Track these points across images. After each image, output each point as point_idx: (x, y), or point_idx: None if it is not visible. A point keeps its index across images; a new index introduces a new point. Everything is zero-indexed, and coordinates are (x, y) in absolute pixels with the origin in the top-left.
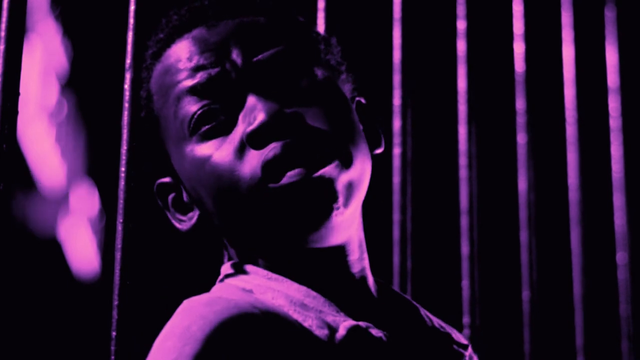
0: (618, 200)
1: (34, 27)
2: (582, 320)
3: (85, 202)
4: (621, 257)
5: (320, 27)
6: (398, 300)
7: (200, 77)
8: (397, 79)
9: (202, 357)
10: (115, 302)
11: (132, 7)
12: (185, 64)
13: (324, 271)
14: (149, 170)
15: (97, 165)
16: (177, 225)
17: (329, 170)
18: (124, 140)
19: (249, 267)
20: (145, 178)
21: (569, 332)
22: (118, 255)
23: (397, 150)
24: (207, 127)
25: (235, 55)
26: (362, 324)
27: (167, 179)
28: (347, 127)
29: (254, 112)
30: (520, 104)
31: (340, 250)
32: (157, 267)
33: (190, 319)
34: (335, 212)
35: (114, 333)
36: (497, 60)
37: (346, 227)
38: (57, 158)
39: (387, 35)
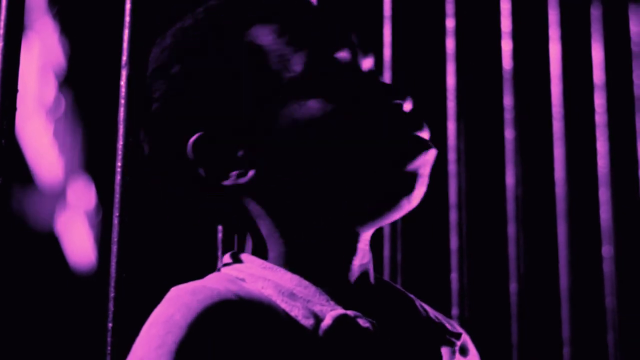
0: (604, 194)
1: (32, 26)
2: (569, 312)
3: (82, 196)
4: (607, 250)
5: None
6: (393, 292)
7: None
8: (387, 76)
9: (184, 344)
10: (112, 294)
11: (128, 6)
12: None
13: (341, 257)
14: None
15: (93, 160)
16: (212, 181)
17: None
18: (120, 136)
19: (245, 257)
20: (140, 172)
21: (556, 323)
22: (114, 248)
23: None
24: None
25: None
26: (350, 313)
27: (204, 134)
28: None
29: (400, 90)
30: (507, 100)
31: (365, 238)
32: (152, 259)
33: (175, 307)
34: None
35: (110, 324)
36: (485, 57)
37: None
38: (55, 153)
39: (378, 33)
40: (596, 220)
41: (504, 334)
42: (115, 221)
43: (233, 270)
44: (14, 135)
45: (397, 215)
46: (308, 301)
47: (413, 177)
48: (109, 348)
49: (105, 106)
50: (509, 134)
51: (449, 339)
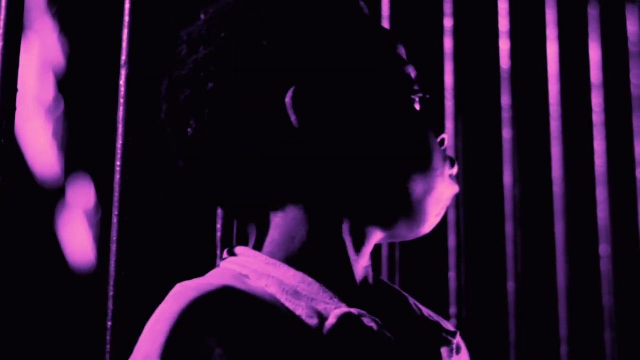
0: (601, 193)
1: (32, 25)
2: (566, 311)
3: (81, 195)
4: (604, 249)
5: None
6: (389, 291)
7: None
8: None
9: (189, 340)
10: (111, 293)
11: (127, 6)
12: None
13: (349, 259)
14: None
15: (93, 159)
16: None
17: None
18: (119, 135)
19: (248, 252)
20: (139, 173)
21: (553, 322)
22: (113, 247)
23: None
24: (418, 98)
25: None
26: (354, 311)
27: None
28: None
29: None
30: (505, 99)
31: (373, 243)
32: (151, 258)
33: (179, 303)
34: None
35: (109, 323)
36: (483, 57)
37: None
38: (54, 152)
39: None
40: (593, 219)
41: (502, 333)
42: (115, 220)
43: (236, 266)
44: (14, 135)
45: (410, 237)
46: (312, 299)
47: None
48: (108, 346)
49: (105, 106)
50: (506, 133)
51: (445, 337)
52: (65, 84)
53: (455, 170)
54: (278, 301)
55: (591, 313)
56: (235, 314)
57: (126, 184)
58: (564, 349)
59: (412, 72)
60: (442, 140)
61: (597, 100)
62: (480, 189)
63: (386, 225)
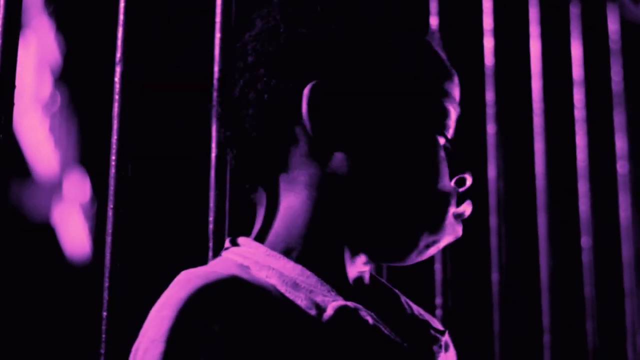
0: (582, 187)
1: (29, 24)
2: (549, 301)
3: (77, 189)
4: (585, 241)
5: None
6: (382, 289)
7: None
8: None
9: (194, 327)
10: (106, 284)
11: (122, 4)
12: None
13: (349, 258)
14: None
15: (88, 154)
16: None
17: None
18: (114, 131)
19: (249, 242)
20: (134, 167)
21: (536, 312)
22: (109, 239)
23: None
24: (444, 136)
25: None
26: (350, 304)
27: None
28: None
29: (466, 172)
30: (489, 96)
31: None
32: (145, 251)
33: (185, 290)
34: None
35: (104, 313)
36: (468, 54)
37: None
38: (51, 147)
39: None
40: (575, 212)
41: (486, 323)
42: (110, 213)
43: (237, 256)
44: (12, 130)
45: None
46: (310, 291)
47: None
48: (103, 336)
49: (100, 102)
50: (490, 128)
51: (434, 335)
52: (62, 80)
53: (466, 211)
54: (278, 292)
55: (573, 303)
56: (239, 301)
57: (121, 178)
58: (546, 338)
59: (453, 112)
60: (462, 180)
61: (578, 96)
62: None
63: (375, 257)
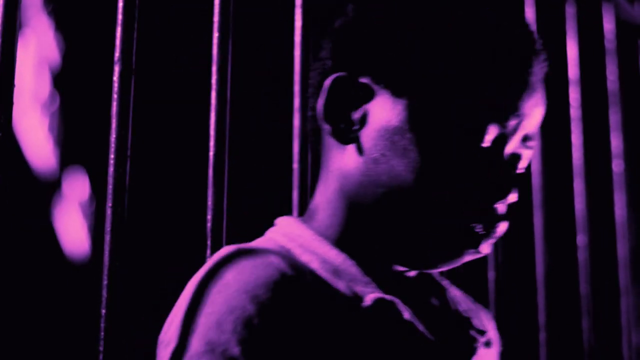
0: (578, 185)
1: (28, 23)
2: (544, 299)
3: (76, 187)
4: (581, 239)
5: (298, 22)
6: (427, 281)
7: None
8: None
9: (240, 309)
10: (105, 282)
11: (120, 4)
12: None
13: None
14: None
15: (87, 153)
16: (329, 124)
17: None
18: (113, 130)
19: (296, 225)
20: (132, 165)
21: (532, 309)
22: (107, 237)
23: None
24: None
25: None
26: (388, 297)
27: (362, 79)
28: None
29: (511, 178)
30: None
31: None
32: (144, 249)
33: (226, 265)
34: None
35: (103, 311)
36: None
37: None
38: (50, 146)
39: None
40: (571, 210)
41: None
42: (109, 212)
43: (283, 238)
44: (11, 129)
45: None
46: (351, 280)
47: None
48: (102, 333)
49: (99, 101)
50: None
51: (472, 335)
52: (61, 79)
53: (498, 230)
54: (319, 277)
55: (568, 301)
56: (278, 283)
57: (120, 177)
58: (542, 336)
59: (494, 128)
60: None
61: (574, 95)
62: None
63: (401, 260)
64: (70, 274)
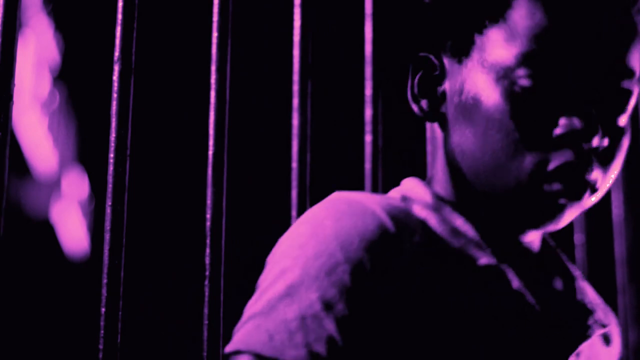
0: None
1: (28, 22)
2: None
3: (76, 186)
4: (578, 238)
5: (297, 22)
6: (554, 263)
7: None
8: (368, 70)
9: (327, 255)
10: (104, 281)
11: (120, 4)
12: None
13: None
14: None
15: (87, 151)
16: (415, 105)
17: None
18: (113, 129)
19: (420, 185)
20: (132, 164)
21: None
22: (107, 236)
23: (368, 138)
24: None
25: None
26: (500, 265)
27: (431, 59)
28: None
29: (594, 125)
30: None
31: None
32: (143, 247)
33: (328, 212)
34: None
35: (103, 309)
36: None
37: None
38: (50, 145)
39: (359, 30)
40: None
41: None
42: (108, 210)
43: (406, 194)
44: (11, 128)
45: (539, 227)
46: (467, 242)
47: (545, 199)
48: (102, 331)
49: (98, 100)
50: None
51: (589, 322)
52: (61, 79)
53: (592, 177)
54: (435, 233)
55: None
56: (372, 233)
57: (119, 176)
58: None
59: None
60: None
61: None
62: None
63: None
64: (70, 273)
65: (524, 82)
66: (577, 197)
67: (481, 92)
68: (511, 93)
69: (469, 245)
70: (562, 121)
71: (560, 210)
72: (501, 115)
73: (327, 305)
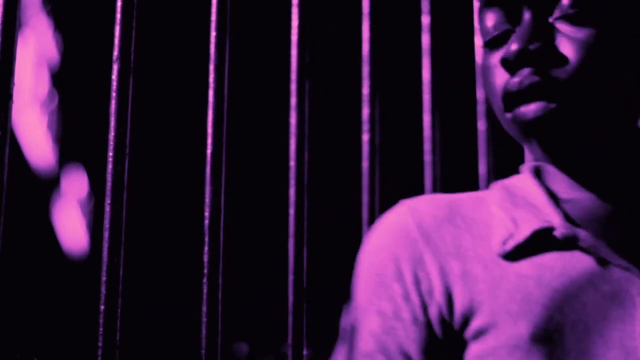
0: None
1: (28, 22)
2: None
3: (75, 185)
4: None
5: (295, 21)
6: None
7: None
8: (365, 70)
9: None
10: (104, 278)
11: (119, 3)
12: None
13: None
14: None
15: (86, 150)
16: None
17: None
18: (112, 128)
19: (529, 179)
20: (130, 163)
21: None
22: (106, 234)
23: (365, 137)
24: (491, 37)
25: None
26: (563, 229)
27: None
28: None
29: (514, 37)
30: (480, 93)
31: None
32: (142, 245)
33: (398, 210)
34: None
35: (102, 307)
36: (459, 52)
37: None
38: (49, 144)
39: (357, 30)
40: None
41: None
42: (107, 209)
43: (509, 179)
44: (11, 127)
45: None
46: (529, 207)
47: (517, 118)
48: (101, 329)
49: (97, 99)
50: (481, 125)
51: None
52: (60, 78)
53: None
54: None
55: None
56: (394, 241)
57: (118, 174)
58: None
59: None
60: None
61: None
62: (456, 178)
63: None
64: (69, 271)
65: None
66: (534, 98)
67: None
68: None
69: (535, 211)
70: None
71: (536, 122)
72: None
73: None
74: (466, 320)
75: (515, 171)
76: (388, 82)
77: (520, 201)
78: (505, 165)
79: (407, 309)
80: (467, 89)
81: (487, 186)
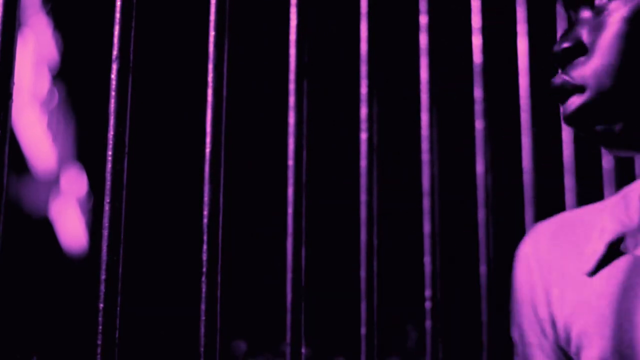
0: (568, 181)
1: (27, 22)
2: None
3: (74, 183)
4: None
5: (293, 21)
6: None
7: None
8: (363, 69)
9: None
10: (103, 277)
11: (118, 3)
12: None
13: None
14: None
15: (85, 149)
16: None
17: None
18: (111, 126)
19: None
20: (129, 162)
21: None
22: (105, 233)
23: (363, 136)
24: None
25: None
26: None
27: None
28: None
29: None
30: (478, 92)
31: None
32: (142, 244)
33: (526, 238)
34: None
35: (101, 305)
36: (457, 52)
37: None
38: (49, 143)
39: (355, 29)
40: (561, 206)
41: (474, 313)
42: (106, 207)
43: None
44: (10, 126)
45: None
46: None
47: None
48: (100, 327)
49: (97, 98)
50: (479, 124)
51: None
52: (59, 77)
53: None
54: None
55: None
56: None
57: (117, 173)
58: None
59: None
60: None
61: None
62: (454, 177)
63: None
64: (69, 269)
65: None
66: (563, 97)
67: None
68: None
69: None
70: None
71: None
72: None
73: None
74: (567, 345)
75: (513, 170)
76: (386, 81)
77: (632, 207)
78: (503, 164)
79: (546, 342)
80: (465, 89)
81: (484, 185)
